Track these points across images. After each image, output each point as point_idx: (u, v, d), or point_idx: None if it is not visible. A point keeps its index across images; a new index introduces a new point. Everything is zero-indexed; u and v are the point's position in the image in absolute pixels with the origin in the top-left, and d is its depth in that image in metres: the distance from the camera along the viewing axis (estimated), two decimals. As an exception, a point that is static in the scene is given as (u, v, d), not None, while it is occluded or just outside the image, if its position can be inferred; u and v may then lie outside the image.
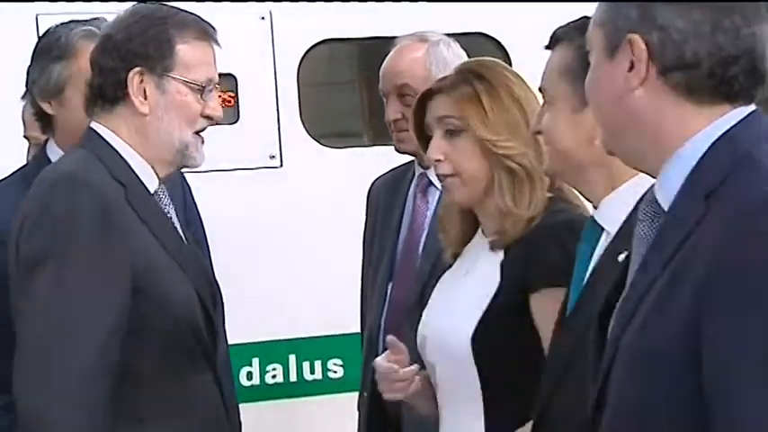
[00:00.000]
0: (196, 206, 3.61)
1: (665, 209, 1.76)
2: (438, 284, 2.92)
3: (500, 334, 2.65)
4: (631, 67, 1.76)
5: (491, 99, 2.77)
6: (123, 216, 2.59)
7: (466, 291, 2.77)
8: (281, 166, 4.87)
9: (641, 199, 2.24)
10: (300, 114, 4.94)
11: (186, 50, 2.69)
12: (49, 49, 3.11)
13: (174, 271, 2.65)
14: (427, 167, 3.57)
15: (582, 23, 2.31)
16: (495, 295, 2.68)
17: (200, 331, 2.69)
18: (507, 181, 2.74)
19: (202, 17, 2.77)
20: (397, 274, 3.60)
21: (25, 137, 3.95)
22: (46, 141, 3.18)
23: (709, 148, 1.73)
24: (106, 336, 2.52)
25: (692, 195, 1.71)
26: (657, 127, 1.76)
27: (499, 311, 2.67)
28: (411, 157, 3.66)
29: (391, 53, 3.66)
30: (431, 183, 3.61)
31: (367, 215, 3.83)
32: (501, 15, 5.00)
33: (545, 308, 2.59)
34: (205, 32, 2.74)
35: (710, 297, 1.60)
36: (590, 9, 1.90)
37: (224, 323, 2.87)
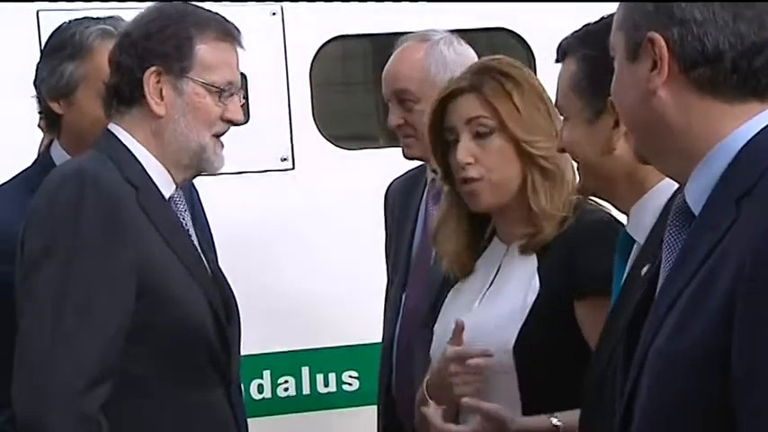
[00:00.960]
0: (201, 204, 3.57)
1: (696, 214, 1.74)
2: (455, 297, 2.83)
3: (544, 343, 2.61)
4: (654, 67, 1.75)
5: (521, 97, 2.74)
6: (132, 217, 2.54)
7: (501, 301, 2.71)
8: (293, 168, 4.82)
9: (666, 205, 2.25)
10: (313, 114, 4.89)
11: (206, 51, 2.65)
12: (63, 46, 3.06)
13: (185, 279, 2.59)
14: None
15: (584, 32, 2.37)
16: (535, 302, 2.64)
17: (210, 344, 2.63)
18: (540, 181, 2.71)
19: (226, 17, 2.72)
20: (411, 283, 3.58)
21: (39, 127, 3.85)
22: (50, 143, 3.15)
23: (740, 151, 1.71)
24: (107, 340, 2.48)
25: (723, 200, 1.70)
26: (687, 128, 1.75)
27: (542, 320, 2.63)
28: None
29: (392, 57, 3.62)
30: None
31: (385, 221, 3.80)
32: (525, 11, 4.95)
33: (593, 317, 2.53)
34: (228, 33, 2.69)
35: (741, 304, 1.58)
36: (612, 6, 1.87)
37: (240, 338, 2.74)
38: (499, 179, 2.73)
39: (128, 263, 2.50)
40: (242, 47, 2.71)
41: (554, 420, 2.56)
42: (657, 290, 1.78)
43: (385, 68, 3.62)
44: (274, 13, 4.79)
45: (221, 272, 2.81)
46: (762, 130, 1.71)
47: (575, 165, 2.52)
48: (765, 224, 1.60)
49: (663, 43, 1.72)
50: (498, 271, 2.76)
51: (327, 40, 4.88)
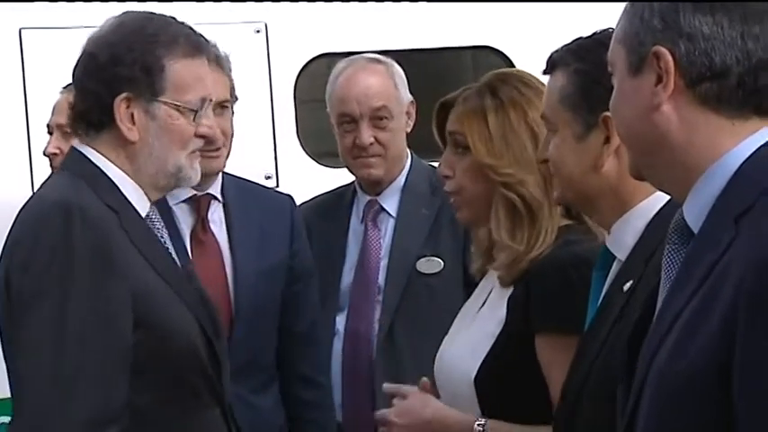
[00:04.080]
0: (305, 235, 3.52)
1: (695, 231, 1.72)
2: (460, 311, 2.80)
3: (503, 377, 2.56)
4: (658, 81, 1.72)
5: (497, 118, 2.62)
6: (119, 248, 2.44)
7: (476, 327, 2.67)
8: (278, 185, 4.79)
9: (651, 222, 2.25)
10: (297, 132, 4.89)
11: (178, 71, 2.51)
12: None
13: (172, 300, 2.51)
14: (378, 194, 3.59)
15: (576, 46, 2.32)
16: (499, 335, 2.58)
17: (203, 362, 2.55)
18: (504, 212, 2.61)
19: (193, 28, 2.59)
20: (351, 306, 3.55)
21: (48, 124, 3.90)
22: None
23: (739, 168, 1.69)
24: (110, 380, 2.38)
25: (722, 217, 1.67)
26: (687, 144, 1.73)
27: (501, 353, 2.56)
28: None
29: (351, 76, 3.58)
30: (382, 209, 3.60)
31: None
32: (508, 28, 4.97)
33: (549, 354, 2.49)
34: (197, 48, 2.55)
35: (742, 317, 1.57)
36: (602, 20, 1.91)
37: (227, 352, 2.70)
38: (470, 198, 2.66)
39: (121, 296, 2.41)
40: (210, 55, 2.60)
41: (478, 424, 2.54)
42: (657, 308, 1.75)
43: (347, 88, 3.56)
44: (258, 31, 4.79)
45: (200, 284, 2.72)
46: (761, 146, 1.70)
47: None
48: (765, 241, 1.59)
49: (669, 57, 1.71)
50: (488, 296, 2.71)
51: (312, 58, 4.88)
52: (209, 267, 3.38)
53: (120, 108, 2.49)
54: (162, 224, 2.62)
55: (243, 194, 3.49)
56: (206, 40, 2.60)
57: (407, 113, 3.59)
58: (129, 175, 2.53)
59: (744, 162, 1.69)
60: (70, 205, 2.42)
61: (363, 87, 3.54)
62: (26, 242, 2.43)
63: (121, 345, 2.40)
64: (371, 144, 3.52)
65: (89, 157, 2.54)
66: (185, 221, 3.36)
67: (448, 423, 2.60)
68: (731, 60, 1.70)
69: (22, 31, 4.39)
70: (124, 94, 2.48)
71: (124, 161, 2.52)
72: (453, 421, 2.59)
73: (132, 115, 2.50)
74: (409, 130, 3.61)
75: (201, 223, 3.42)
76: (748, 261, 1.58)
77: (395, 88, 3.55)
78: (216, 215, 3.45)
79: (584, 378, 2.24)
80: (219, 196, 3.42)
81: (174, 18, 2.57)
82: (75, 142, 2.59)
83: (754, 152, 1.69)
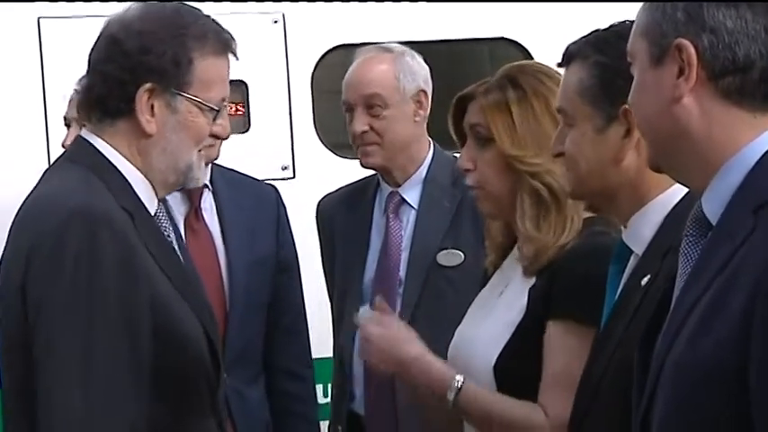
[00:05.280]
0: (290, 227, 3.55)
1: (713, 223, 1.72)
2: (475, 300, 2.81)
3: (523, 364, 2.56)
4: (680, 74, 1.73)
5: (521, 109, 2.64)
6: (140, 254, 2.37)
7: (496, 315, 2.67)
8: (294, 177, 4.80)
9: (668, 216, 2.26)
10: (314, 123, 4.88)
11: (206, 68, 2.45)
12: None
13: (181, 306, 2.45)
14: (397, 185, 3.58)
15: (595, 38, 2.32)
16: (520, 323, 2.59)
17: (207, 369, 2.50)
18: (530, 202, 2.61)
19: (219, 23, 2.54)
20: (373, 299, 3.49)
21: (65, 117, 3.89)
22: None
23: (758, 161, 1.70)
24: (139, 390, 2.33)
25: (740, 209, 1.68)
26: (708, 137, 1.73)
27: (522, 340, 2.57)
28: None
29: (355, 64, 3.63)
30: (404, 201, 3.59)
31: (321, 239, 3.77)
32: (525, 20, 4.95)
33: (558, 339, 2.51)
34: (226, 46, 2.50)
35: (759, 316, 1.57)
36: (620, 11, 1.90)
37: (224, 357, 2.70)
38: (492, 191, 2.66)
39: (142, 305, 2.35)
40: (236, 56, 2.52)
41: (457, 380, 2.56)
42: (673, 300, 1.76)
43: (348, 76, 3.61)
44: (276, 21, 4.77)
45: (202, 285, 2.69)
46: None
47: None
48: None
49: (692, 50, 1.71)
50: (507, 285, 2.72)
51: (329, 49, 4.86)
52: (204, 255, 3.40)
53: (143, 98, 2.41)
54: (167, 221, 2.57)
55: (230, 184, 3.54)
56: (232, 37, 2.53)
57: (418, 102, 3.59)
58: (139, 169, 2.46)
59: (763, 155, 1.69)
60: (95, 214, 2.34)
61: (360, 76, 3.58)
62: (46, 251, 2.34)
63: (144, 351, 2.35)
64: (365, 132, 3.53)
65: (99, 148, 2.46)
66: (178, 210, 3.39)
67: (430, 369, 2.61)
68: (755, 54, 1.70)
69: (41, 20, 4.39)
70: (149, 84, 2.41)
71: (135, 155, 2.45)
72: (436, 368, 2.61)
73: (153, 107, 2.43)
74: (419, 120, 3.61)
75: (194, 212, 3.43)
76: (764, 263, 1.58)
77: (395, 77, 3.55)
78: (207, 203, 3.47)
79: (603, 372, 2.24)
80: (209, 185, 3.45)
81: (200, 11, 2.52)
82: (83, 131, 2.51)
83: None
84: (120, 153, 2.45)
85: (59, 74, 4.30)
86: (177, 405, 2.42)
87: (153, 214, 2.49)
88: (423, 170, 3.61)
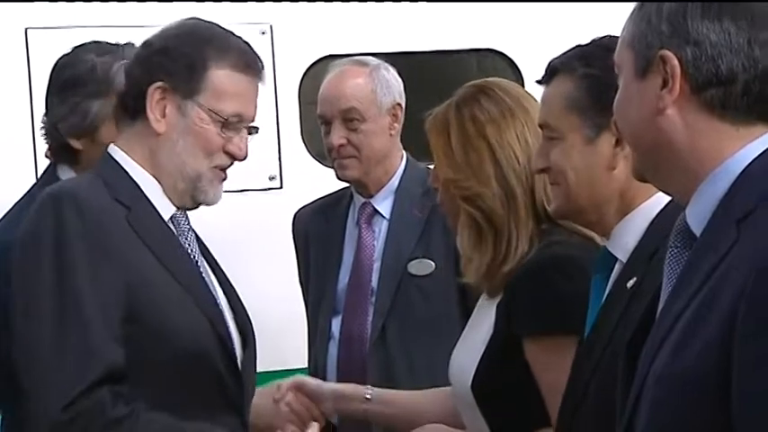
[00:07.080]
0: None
1: (697, 234, 1.74)
2: (472, 316, 2.82)
3: (497, 381, 2.58)
4: (664, 85, 1.74)
5: (459, 133, 2.64)
6: (119, 237, 2.44)
7: (471, 335, 2.69)
8: (282, 187, 4.82)
9: (652, 222, 2.28)
10: (302, 133, 4.89)
11: (221, 78, 2.54)
12: (84, 83, 2.93)
13: (181, 300, 2.49)
14: (370, 196, 3.61)
15: (579, 51, 2.34)
16: (489, 342, 2.60)
17: (217, 371, 2.51)
18: (466, 224, 2.63)
19: (254, 49, 2.60)
20: (345, 309, 3.59)
21: (46, 156, 3.84)
22: (55, 164, 3.02)
23: (741, 172, 1.71)
24: (114, 347, 2.40)
25: (723, 221, 1.69)
26: (692, 148, 1.74)
27: (493, 359, 2.59)
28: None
29: (331, 77, 3.66)
30: (376, 211, 3.64)
31: (296, 250, 3.81)
32: (512, 31, 4.97)
33: (537, 356, 2.51)
34: (248, 65, 2.57)
35: (740, 326, 1.58)
36: (607, 22, 1.92)
37: (255, 362, 2.69)
38: (446, 210, 2.69)
39: (114, 284, 2.40)
40: (262, 81, 2.59)
41: (367, 393, 2.73)
42: (658, 311, 1.77)
43: (324, 90, 3.64)
44: (263, 33, 4.78)
45: (237, 294, 2.70)
46: (764, 152, 1.71)
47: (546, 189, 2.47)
48: (766, 245, 1.60)
49: (675, 62, 1.72)
50: (480, 306, 2.74)
51: (316, 60, 4.88)
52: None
53: (154, 96, 2.51)
54: (189, 228, 2.61)
55: None
56: (259, 60, 2.59)
57: (393, 116, 3.61)
58: (151, 174, 2.54)
59: (746, 167, 1.71)
60: (62, 193, 2.45)
61: (335, 89, 3.61)
62: (22, 233, 2.46)
63: (109, 333, 2.39)
64: (342, 145, 3.58)
65: (115, 157, 2.55)
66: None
67: (346, 392, 2.83)
68: (738, 67, 1.71)
69: (28, 30, 4.38)
70: (160, 83, 2.50)
71: (147, 157, 2.54)
72: (351, 390, 2.86)
73: (164, 108, 2.51)
74: (394, 133, 3.63)
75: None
76: (749, 267, 1.60)
77: (372, 91, 3.59)
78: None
79: (589, 378, 2.25)
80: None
81: (238, 36, 2.59)
82: (110, 146, 2.60)
83: (757, 157, 1.71)
84: (134, 159, 2.54)
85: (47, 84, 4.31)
86: (163, 397, 2.43)
87: (170, 217, 2.55)
88: (395, 180, 3.66)
